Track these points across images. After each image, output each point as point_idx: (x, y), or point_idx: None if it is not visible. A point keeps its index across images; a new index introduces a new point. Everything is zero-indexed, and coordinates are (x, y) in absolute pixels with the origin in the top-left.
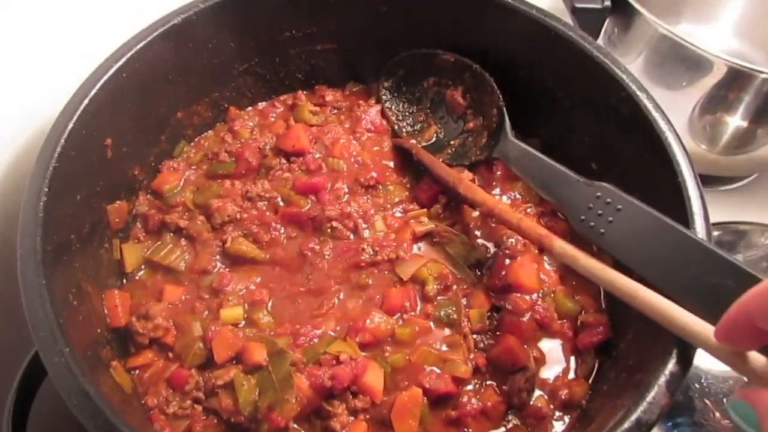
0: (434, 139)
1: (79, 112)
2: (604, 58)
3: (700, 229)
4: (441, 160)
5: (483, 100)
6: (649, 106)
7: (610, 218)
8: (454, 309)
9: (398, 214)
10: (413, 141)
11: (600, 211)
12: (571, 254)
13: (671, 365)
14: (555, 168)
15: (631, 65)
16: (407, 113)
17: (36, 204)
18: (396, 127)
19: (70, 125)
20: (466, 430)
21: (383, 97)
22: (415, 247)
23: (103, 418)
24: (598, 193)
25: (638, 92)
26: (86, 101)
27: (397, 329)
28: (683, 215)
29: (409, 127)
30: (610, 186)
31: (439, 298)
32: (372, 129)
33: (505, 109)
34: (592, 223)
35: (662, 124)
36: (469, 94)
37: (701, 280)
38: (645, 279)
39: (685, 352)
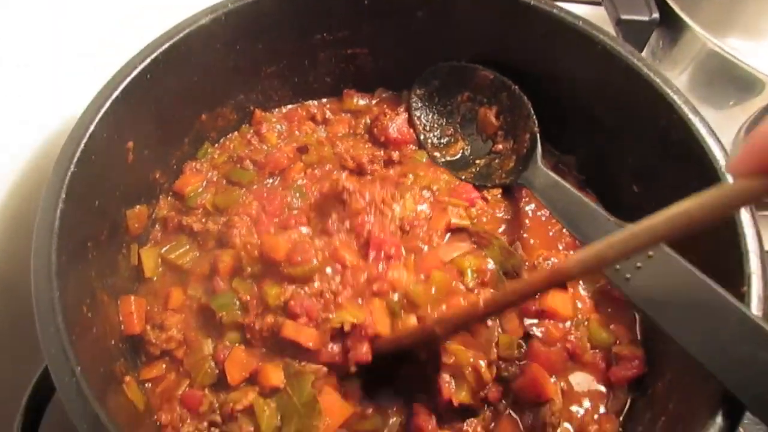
0: (459, 155)
1: (100, 115)
2: (654, 76)
3: (755, 268)
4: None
5: (517, 123)
6: (703, 131)
7: (639, 264)
8: None
9: (426, 194)
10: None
11: None
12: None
13: (719, 420)
14: (585, 203)
15: (675, 81)
16: (435, 125)
17: (52, 213)
18: (422, 137)
19: (91, 128)
20: None
21: (414, 104)
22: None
23: None
24: None
25: (691, 115)
26: (108, 103)
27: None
28: (736, 249)
29: (435, 140)
30: None
31: (475, 292)
32: (398, 138)
33: (538, 135)
34: (618, 266)
35: (717, 151)
36: (503, 116)
37: (731, 347)
38: (668, 334)
39: (735, 406)
